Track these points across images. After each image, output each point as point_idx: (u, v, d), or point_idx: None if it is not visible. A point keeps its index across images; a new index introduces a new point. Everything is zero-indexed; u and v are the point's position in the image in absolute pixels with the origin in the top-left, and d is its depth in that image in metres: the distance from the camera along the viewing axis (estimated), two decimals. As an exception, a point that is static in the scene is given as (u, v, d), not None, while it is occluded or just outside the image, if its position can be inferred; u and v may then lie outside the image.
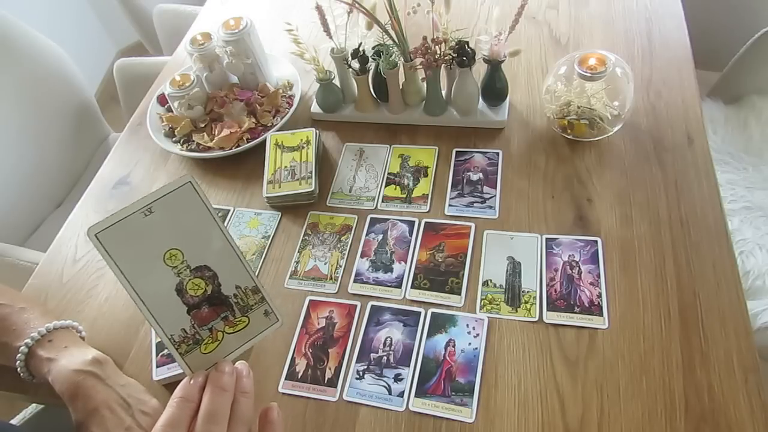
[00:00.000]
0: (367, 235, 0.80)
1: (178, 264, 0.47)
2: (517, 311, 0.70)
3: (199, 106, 0.94)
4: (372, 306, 0.73)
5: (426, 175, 0.86)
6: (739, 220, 1.12)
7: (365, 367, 0.68)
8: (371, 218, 0.82)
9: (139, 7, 1.66)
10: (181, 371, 0.67)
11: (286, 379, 0.68)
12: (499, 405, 0.63)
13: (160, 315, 0.46)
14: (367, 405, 0.65)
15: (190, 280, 0.47)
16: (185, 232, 0.47)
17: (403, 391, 0.65)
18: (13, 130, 1.18)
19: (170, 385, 0.69)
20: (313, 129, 0.89)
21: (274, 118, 0.95)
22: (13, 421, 0.85)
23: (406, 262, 0.76)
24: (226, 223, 0.84)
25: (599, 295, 0.69)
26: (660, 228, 0.74)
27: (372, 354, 0.69)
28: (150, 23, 1.59)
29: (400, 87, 0.90)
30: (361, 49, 0.87)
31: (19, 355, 0.64)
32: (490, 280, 0.73)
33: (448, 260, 0.76)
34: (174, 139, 0.95)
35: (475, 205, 0.81)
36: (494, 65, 0.84)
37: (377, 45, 0.86)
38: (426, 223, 0.80)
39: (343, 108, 0.96)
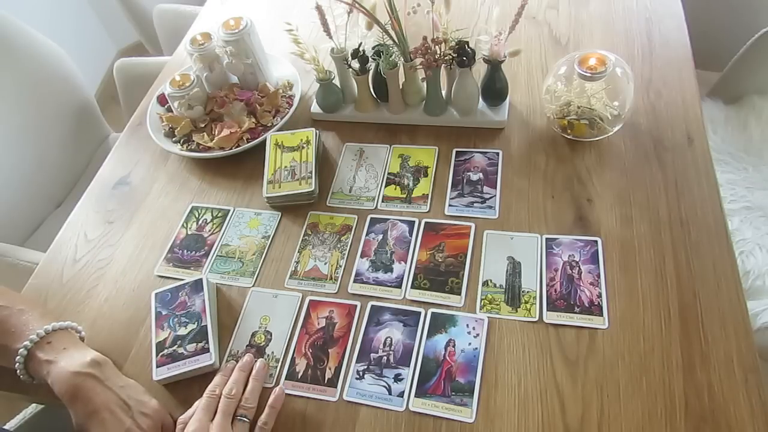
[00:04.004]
0: (367, 235, 0.80)
1: None
2: (517, 311, 0.69)
3: (199, 106, 0.94)
4: (372, 306, 0.73)
5: (426, 175, 0.86)
6: (739, 220, 1.12)
7: (365, 367, 0.68)
8: (371, 218, 0.82)
9: (139, 7, 1.66)
10: (181, 372, 0.68)
11: (286, 379, 0.68)
12: (499, 405, 0.63)
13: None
14: (367, 405, 0.65)
15: None
16: None
17: (403, 391, 0.65)
18: (13, 130, 1.18)
19: (170, 385, 0.69)
20: (313, 129, 0.89)
21: (274, 118, 0.94)
22: (13, 422, 0.85)
23: (406, 262, 0.76)
24: (226, 223, 0.85)
25: (599, 295, 0.69)
26: (660, 228, 0.74)
27: (372, 354, 0.69)
28: (150, 23, 1.59)
29: (400, 87, 0.90)
30: (361, 49, 0.87)
31: (18, 357, 0.64)
32: (490, 280, 0.73)
33: (448, 260, 0.76)
34: (174, 139, 0.95)
35: (475, 205, 0.81)
36: (494, 65, 0.84)
37: (377, 45, 0.86)
38: (426, 223, 0.80)
39: (343, 108, 0.96)
